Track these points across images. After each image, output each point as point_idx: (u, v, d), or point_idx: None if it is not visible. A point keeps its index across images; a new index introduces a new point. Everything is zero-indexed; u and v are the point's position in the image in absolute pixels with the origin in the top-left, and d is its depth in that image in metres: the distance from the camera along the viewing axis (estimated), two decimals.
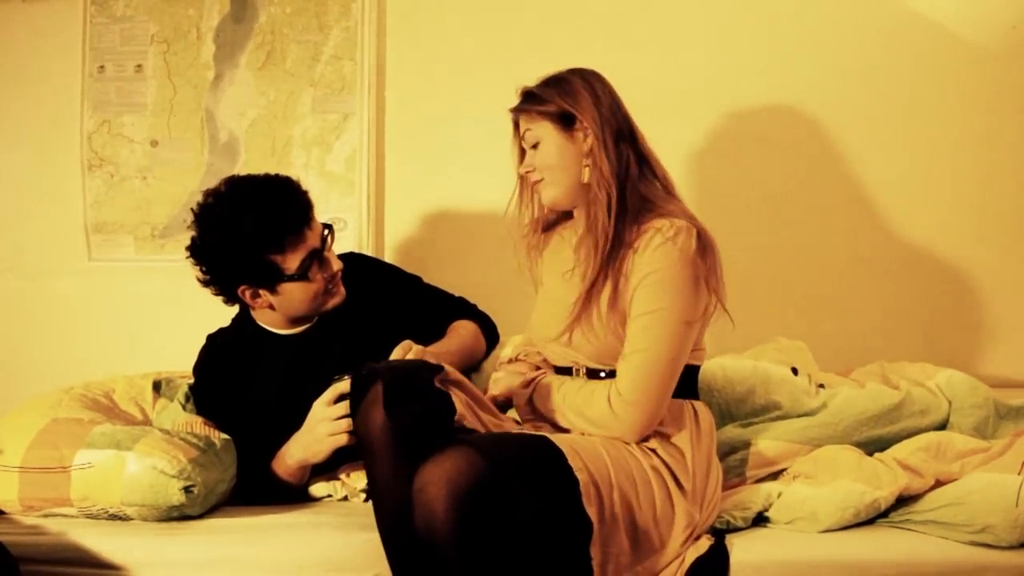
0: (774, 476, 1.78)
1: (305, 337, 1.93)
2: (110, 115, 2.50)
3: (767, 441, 1.80)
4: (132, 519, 1.72)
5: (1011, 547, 1.54)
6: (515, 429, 1.74)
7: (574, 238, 1.73)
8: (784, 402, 1.89)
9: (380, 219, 2.47)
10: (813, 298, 2.40)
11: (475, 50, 2.40)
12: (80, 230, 2.51)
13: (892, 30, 2.33)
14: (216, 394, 1.91)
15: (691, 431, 1.64)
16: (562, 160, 1.67)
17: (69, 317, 2.53)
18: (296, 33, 2.45)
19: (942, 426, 1.90)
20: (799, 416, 1.87)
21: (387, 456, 1.46)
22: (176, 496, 1.68)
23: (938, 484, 1.68)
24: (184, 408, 1.97)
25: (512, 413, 1.86)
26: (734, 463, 1.79)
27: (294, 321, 1.92)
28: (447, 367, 1.62)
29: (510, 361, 1.87)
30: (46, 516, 1.74)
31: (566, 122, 1.66)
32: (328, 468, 1.84)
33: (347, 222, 2.43)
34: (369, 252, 2.40)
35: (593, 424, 1.61)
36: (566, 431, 1.66)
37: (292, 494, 1.83)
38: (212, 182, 1.90)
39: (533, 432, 1.64)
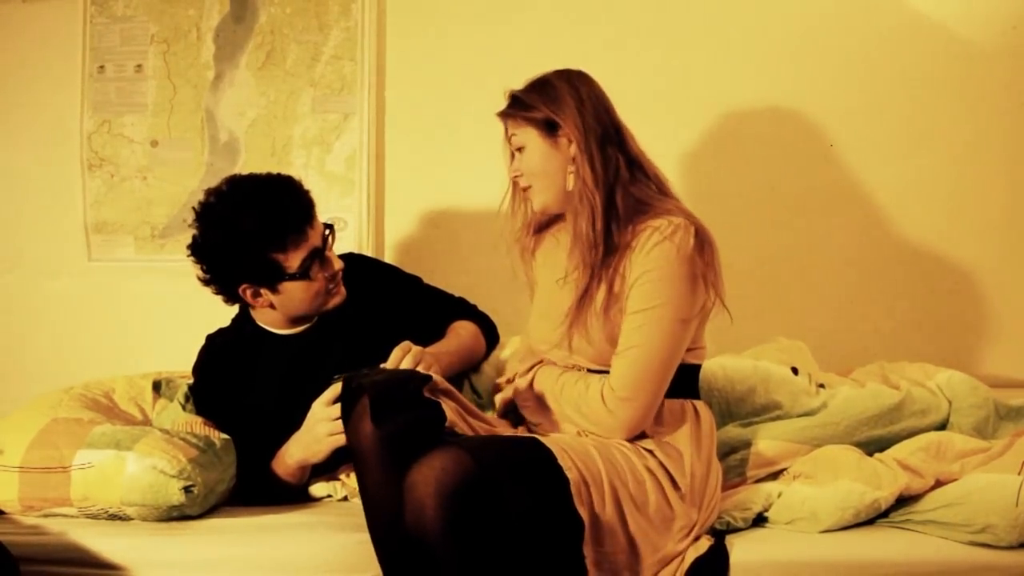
0: (774, 476, 1.77)
1: (305, 337, 1.93)
2: (110, 115, 2.50)
3: (767, 441, 1.80)
4: (132, 519, 1.72)
5: (1011, 547, 1.54)
6: (508, 434, 1.74)
7: (567, 239, 1.72)
8: (784, 402, 1.89)
9: (380, 219, 2.47)
10: (813, 298, 2.40)
11: (475, 50, 2.40)
12: (80, 230, 2.51)
13: (892, 30, 2.33)
14: (216, 394, 1.91)
15: (691, 431, 1.64)
16: (547, 167, 1.67)
17: (69, 317, 2.53)
18: (296, 33, 2.45)
19: (942, 426, 1.90)
20: (799, 416, 1.87)
21: (378, 465, 1.46)
22: (176, 496, 1.68)
23: (938, 484, 1.68)
24: (184, 408, 1.97)
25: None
26: (734, 463, 1.79)
27: (294, 321, 1.92)
28: (435, 376, 1.62)
29: (508, 381, 1.87)
30: (46, 516, 1.74)
31: (550, 128, 1.66)
32: (328, 468, 1.84)
33: (347, 222, 2.43)
34: (369, 252, 2.41)
35: (587, 419, 1.61)
36: (560, 427, 1.66)
37: (292, 494, 1.83)
38: (212, 182, 1.90)
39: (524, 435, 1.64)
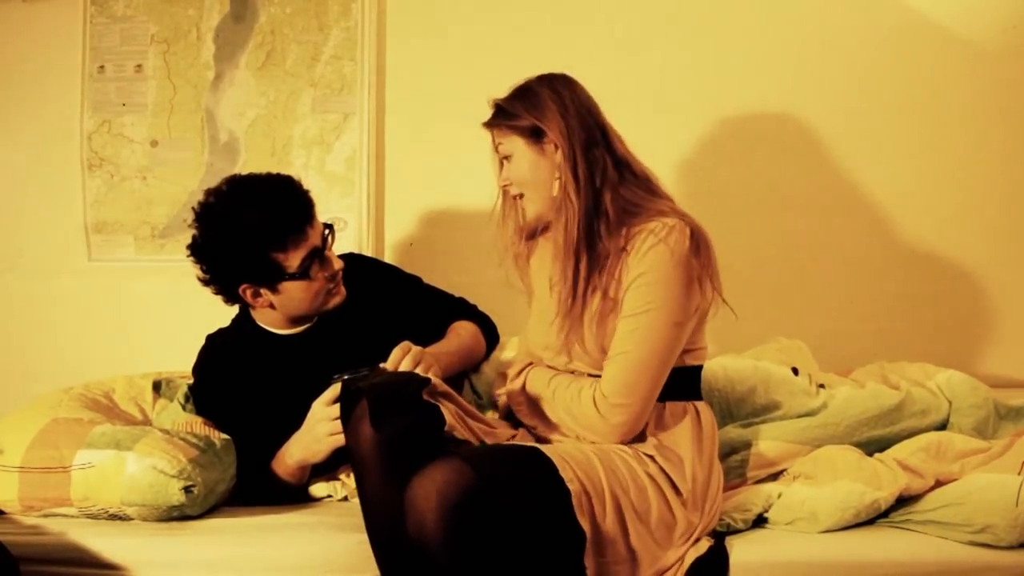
0: (774, 477, 1.78)
1: (305, 337, 1.93)
2: (110, 115, 2.50)
3: (768, 442, 1.80)
4: (132, 519, 1.72)
5: (1011, 547, 1.54)
6: (507, 436, 1.73)
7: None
8: (785, 402, 1.89)
9: (380, 219, 2.47)
10: (813, 298, 2.40)
11: (475, 50, 2.40)
12: (80, 230, 2.51)
13: (891, 29, 2.33)
14: (216, 394, 1.91)
15: (693, 433, 1.63)
16: (535, 175, 1.67)
17: (69, 317, 2.53)
18: (296, 33, 2.45)
19: (942, 426, 1.90)
20: (799, 416, 1.86)
21: (377, 469, 1.45)
22: (176, 496, 1.68)
23: (938, 484, 1.68)
24: (184, 408, 1.97)
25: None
26: (735, 463, 1.79)
27: (294, 321, 1.92)
28: (434, 379, 1.62)
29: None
30: (46, 516, 1.74)
31: (536, 136, 1.65)
32: (328, 468, 1.84)
33: (347, 222, 2.43)
34: (369, 252, 2.41)
35: (580, 424, 1.61)
36: (557, 427, 1.66)
37: (292, 494, 1.83)
38: (212, 182, 1.90)
39: (525, 442, 1.64)
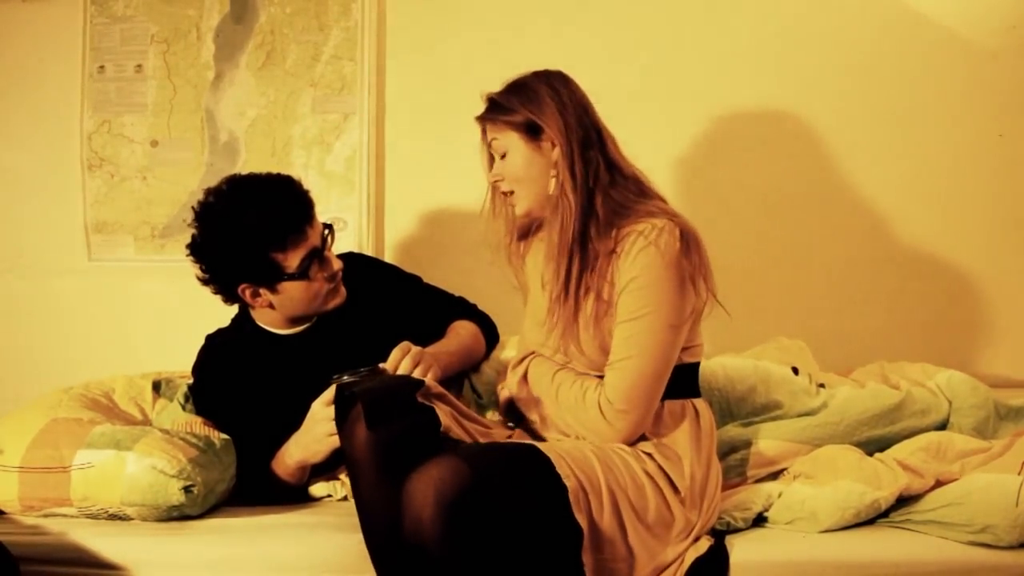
0: (774, 476, 1.78)
1: (305, 337, 1.93)
2: (110, 115, 2.50)
3: (768, 441, 1.80)
4: (132, 519, 1.72)
5: (1011, 547, 1.54)
6: (504, 436, 1.73)
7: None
8: (785, 401, 1.89)
9: (380, 219, 2.47)
10: (813, 298, 2.40)
11: (475, 50, 2.40)
12: (80, 230, 2.51)
13: (891, 29, 2.33)
14: (215, 395, 1.91)
15: (691, 431, 1.63)
16: (530, 171, 1.65)
17: (69, 317, 2.53)
18: (296, 33, 2.45)
19: (942, 426, 1.90)
20: (800, 415, 1.87)
21: (373, 472, 1.46)
22: (176, 496, 1.68)
23: (938, 484, 1.68)
24: (184, 408, 1.97)
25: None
26: (735, 462, 1.79)
27: (293, 321, 1.92)
28: (428, 381, 1.62)
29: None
30: (46, 516, 1.74)
31: (532, 132, 1.64)
32: (328, 468, 1.84)
33: (347, 222, 2.43)
34: (369, 252, 2.40)
35: (584, 427, 1.60)
36: (555, 422, 1.65)
37: (292, 494, 1.83)
38: (212, 182, 1.90)
39: (521, 440, 1.63)
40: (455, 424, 1.62)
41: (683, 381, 1.65)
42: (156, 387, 2.09)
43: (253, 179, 1.85)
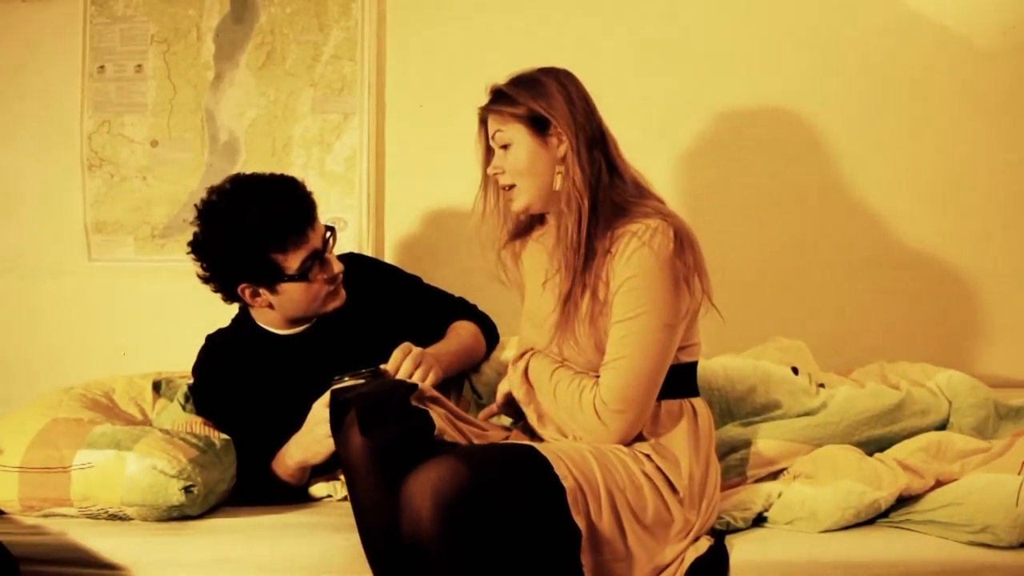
0: (774, 476, 1.78)
1: (305, 337, 1.93)
2: (110, 115, 2.50)
3: (767, 440, 1.80)
4: (132, 519, 1.72)
5: (1011, 547, 1.54)
6: (500, 438, 1.73)
7: (550, 243, 1.70)
8: (784, 401, 1.89)
9: (380, 219, 2.47)
10: (813, 298, 2.40)
11: (475, 50, 2.40)
12: (80, 230, 2.51)
13: (891, 29, 2.33)
14: (215, 395, 1.91)
15: (689, 431, 1.63)
16: (534, 166, 1.64)
17: (69, 317, 2.53)
18: (296, 33, 2.45)
19: (942, 426, 1.90)
20: (799, 415, 1.87)
21: (369, 477, 1.46)
22: (176, 496, 1.68)
23: (938, 484, 1.68)
24: (184, 408, 1.97)
25: (496, 419, 1.85)
26: (734, 462, 1.79)
27: (293, 321, 1.92)
28: (421, 384, 1.62)
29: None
30: (46, 516, 1.74)
31: (540, 126, 1.63)
32: (328, 468, 1.83)
33: (347, 222, 2.43)
34: (369, 252, 2.41)
35: (580, 427, 1.60)
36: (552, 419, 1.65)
37: (292, 494, 1.83)
38: (212, 182, 1.90)
39: (519, 440, 1.63)
40: (450, 427, 1.62)
41: (680, 380, 1.65)
42: (156, 387, 2.09)
43: (256, 179, 1.85)
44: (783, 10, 2.35)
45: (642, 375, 1.56)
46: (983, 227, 2.36)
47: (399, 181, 2.47)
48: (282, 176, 1.86)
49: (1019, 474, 1.62)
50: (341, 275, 1.89)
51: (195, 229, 1.83)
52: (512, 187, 1.67)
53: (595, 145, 1.63)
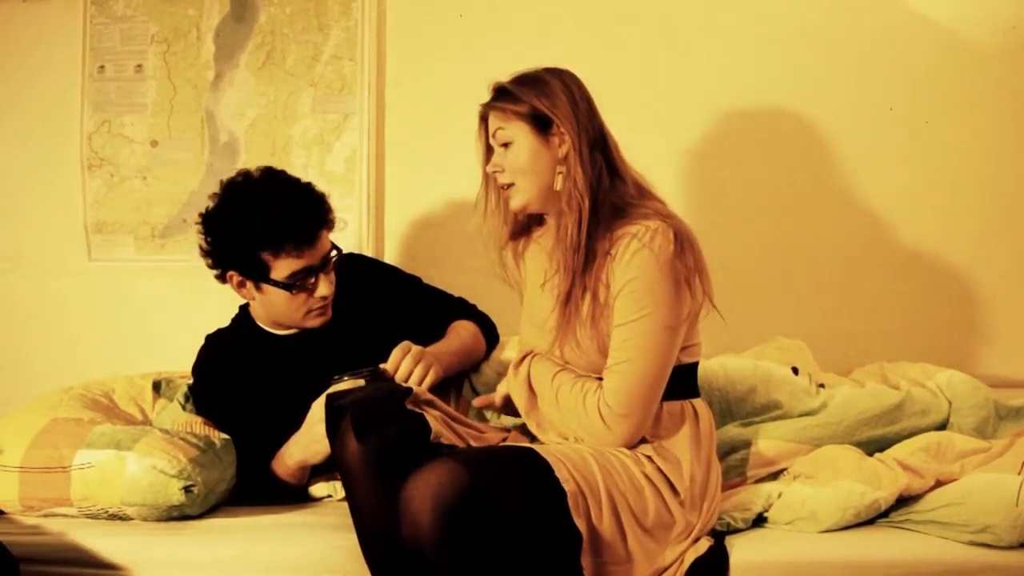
0: (774, 476, 1.78)
1: (305, 337, 1.93)
2: (110, 115, 2.50)
3: (768, 441, 1.80)
4: (132, 519, 1.72)
5: (1011, 547, 1.54)
6: (498, 439, 1.73)
7: (549, 244, 1.70)
8: (785, 401, 1.89)
9: (380, 219, 2.47)
10: (813, 298, 2.40)
11: (475, 50, 2.40)
12: (80, 230, 2.51)
13: (891, 29, 2.33)
14: (215, 395, 1.91)
15: (691, 432, 1.63)
16: (535, 165, 1.63)
17: (69, 317, 2.53)
18: (296, 33, 2.45)
19: (942, 426, 1.90)
20: (799, 415, 1.87)
21: (366, 482, 1.45)
22: (176, 496, 1.68)
23: (938, 484, 1.68)
24: (184, 408, 1.97)
25: (495, 420, 1.85)
26: (734, 462, 1.79)
27: (278, 323, 1.92)
28: (416, 388, 1.62)
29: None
30: (46, 516, 1.74)
31: (542, 125, 1.62)
32: (328, 468, 1.83)
33: (347, 222, 2.43)
34: (369, 252, 2.40)
35: (584, 430, 1.59)
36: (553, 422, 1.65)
37: (292, 494, 1.83)
38: (212, 182, 1.91)
39: (518, 443, 1.63)
40: (446, 429, 1.61)
41: (682, 381, 1.64)
42: (156, 387, 2.09)
43: (285, 179, 1.88)
44: (784, 11, 2.35)
45: (646, 378, 1.55)
46: (983, 227, 2.36)
47: (399, 181, 2.47)
48: (310, 186, 1.87)
49: (1019, 474, 1.62)
50: (330, 299, 1.88)
51: (210, 204, 1.85)
52: (511, 185, 1.66)
53: (596, 146, 1.62)
